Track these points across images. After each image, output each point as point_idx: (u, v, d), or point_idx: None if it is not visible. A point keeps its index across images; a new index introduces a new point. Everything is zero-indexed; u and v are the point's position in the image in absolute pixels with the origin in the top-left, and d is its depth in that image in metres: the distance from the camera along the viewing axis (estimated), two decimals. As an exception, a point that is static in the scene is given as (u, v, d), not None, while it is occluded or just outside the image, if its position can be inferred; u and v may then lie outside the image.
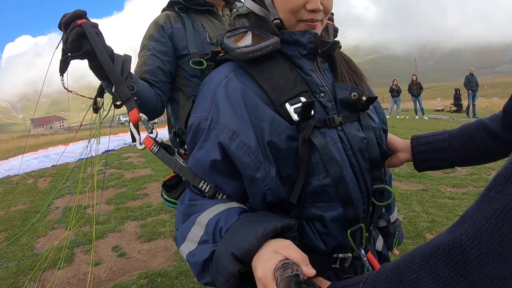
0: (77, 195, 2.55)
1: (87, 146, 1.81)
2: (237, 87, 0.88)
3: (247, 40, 0.94)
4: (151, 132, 1.10)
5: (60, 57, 1.17)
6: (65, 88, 1.25)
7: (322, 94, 0.92)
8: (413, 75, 17.66)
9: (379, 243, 1.17)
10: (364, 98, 0.95)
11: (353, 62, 1.07)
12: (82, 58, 1.15)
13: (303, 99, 0.87)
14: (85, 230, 4.55)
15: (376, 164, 0.96)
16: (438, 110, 22.63)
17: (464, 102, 19.83)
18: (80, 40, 1.09)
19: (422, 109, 16.79)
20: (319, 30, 0.95)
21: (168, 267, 3.46)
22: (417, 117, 16.63)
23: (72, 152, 9.03)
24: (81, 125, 2.04)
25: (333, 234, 0.90)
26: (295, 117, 0.85)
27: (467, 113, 16.56)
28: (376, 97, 1.02)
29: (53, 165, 9.79)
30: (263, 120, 0.85)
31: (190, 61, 1.59)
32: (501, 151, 1.05)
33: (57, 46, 1.17)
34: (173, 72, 1.69)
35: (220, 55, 1.02)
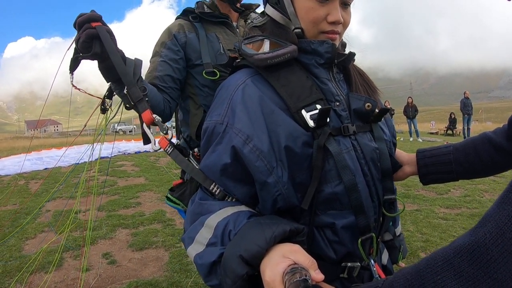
0: (78, 198, 2.51)
1: (92, 148, 1.78)
2: (254, 93, 0.89)
3: (265, 47, 0.96)
4: (166, 133, 1.11)
5: (72, 56, 1.17)
6: (73, 86, 1.25)
7: (337, 103, 0.94)
8: (408, 97, 17.87)
9: (385, 257, 1.17)
10: (376, 109, 0.97)
11: (366, 75, 1.10)
12: (93, 59, 1.16)
13: (319, 107, 0.88)
14: (75, 235, 4.48)
15: (388, 174, 0.98)
16: (432, 133, 22.86)
17: (459, 126, 20.06)
18: (91, 41, 1.09)
19: (416, 131, 16.96)
20: (337, 42, 0.98)
21: (159, 277, 3.40)
22: (411, 139, 16.77)
23: (66, 156, 8.94)
24: (83, 128, 2.02)
25: (343, 242, 0.91)
26: (311, 123, 0.86)
27: (464, 137, 16.71)
28: (388, 109, 1.03)
29: (45, 168, 9.69)
30: (279, 125, 0.86)
31: (204, 72, 1.60)
32: (505, 164, 1.07)
33: (70, 46, 1.17)
34: (183, 80, 1.71)
35: (237, 61, 1.03)
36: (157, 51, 1.68)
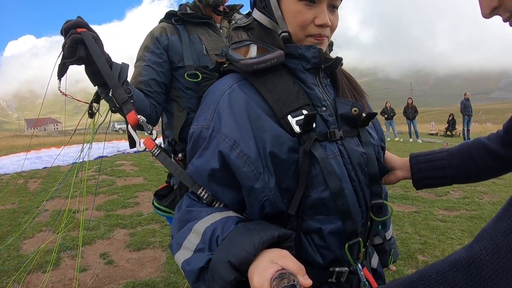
0: (69, 199, 2.52)
1: (81, 151, 1.79)
2: (240, 98, 0.89)
3: (252, 52, 0.95)
4: (151, 133, 1.10)
5: (59, 62, 1.19)
6: (61, 92, 1.26)
7: (324, 108, 0.94)
8: (408, 98, 17.85)
9: (374, 260, 1.17)
10: (364, 114, 0.98)
11: (354, 79, 1.10)
12: (79, 64, 1.18)
13: (305, 112, 0.88)
14: (73, 235, 4.47)
15: (375, 179, 0.98)
16: (432, 134, 22.87)
17: (459, 127, 20.05)
18: (76, 46, 1.12)
19: (416, 132, 16.97)
20: (324, 46, 0.98)
21: (156, 278, 3.40)
22: (411, 140, 16.78)
23: (65, 155, 8.95)
24: (75, 130, 2.02)
25: (330, 247, 0.91)
26: (297, 129, 0.86)
27: (464, 138, 16.69)
28: (376, 114, 1.04)
29: (44, 167, 9.69)
30: (265, 131, 0.86)
31: (185, 74, 1.60)
32: (499, 169, 1.08)
33: (60, 53, 1.20)
34: (168, 84, 1.71)
35: (224, 66, 1.03)
36: (141, 56, 1.68)
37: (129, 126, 1.16)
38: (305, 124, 0.86)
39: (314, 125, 0.88)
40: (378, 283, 1.06)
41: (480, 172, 1.09)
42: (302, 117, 0.87)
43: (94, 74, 1.22)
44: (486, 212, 5.16)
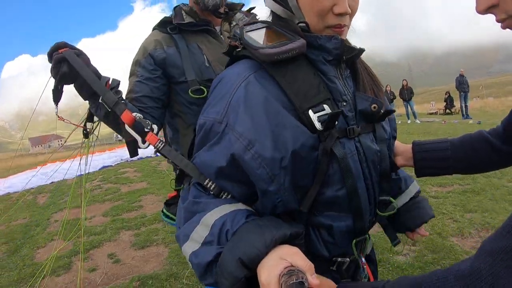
0: (67, 208, 2.75)
1: (85, 164, 1.85)
2: (258, 92, 0.82)
3: (262, 35, 0.89)
4: (151, 129, 1.10)
5: (53, 88, 1.22)
6: (59, 117, 1.29)
7: (344, 103, 0.89)
8: (403, 80, 17.83)
9: (369, 246, 1.14)
10: (382, 110, 0.93)
11: (372, 70, 1.04)
12: (66, 81, 1.19)
13: (326, 107, 0.83)
14: (83, 240, 4.72)
15: (386, 176, 0.96)
16: (431, 113, 22.78)
17: (457, 104, 20.00)
18: (60, 65, 1.15)
19: (414, 113, 16.88)
20: (345, 35, 0.91)
21: (159, 270, 3.65)
22: (409, 121, 16.70)
23: (70, 169, 9.12)
24: (64, 143, 2.09)
25: (338, 243, 0.91)
26: (318, 125, 0.81)
27: (463, 115, 16.70)
28: (394, 111, 1.01)
29: (51, 182, 9.94)
30: (285, 127, 0.79)
31: (189, 90, 1.49)
32: (501, 163, 1.09)
33: (50, 77, 1.24)
34: (164, 98, 1.59)
35: (238, 50, 0.93)
36: (133, 71, 1.58)
37: (126, 126, 1.13)
38: (328, 122, 0.81)
39: (336, 123, 0.84)
40: (370, 268, 1.06)
41: (483, 165, 1.10)
42: (323, 112, 0.82)
43: (82, 87, 1.21)
44: (479, 185, 5.11)
